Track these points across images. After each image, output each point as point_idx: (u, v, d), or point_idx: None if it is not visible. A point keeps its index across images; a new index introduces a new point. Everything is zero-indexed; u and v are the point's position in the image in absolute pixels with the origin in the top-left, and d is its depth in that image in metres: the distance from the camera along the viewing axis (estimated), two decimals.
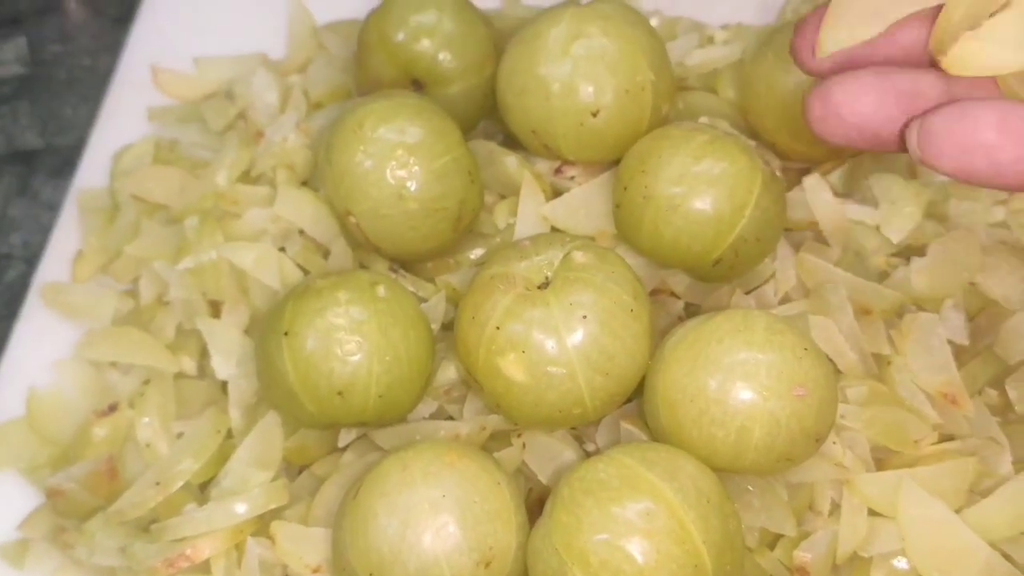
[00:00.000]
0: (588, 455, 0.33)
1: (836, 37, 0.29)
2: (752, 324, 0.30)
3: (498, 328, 0.30)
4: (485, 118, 0.41)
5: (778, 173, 0.39)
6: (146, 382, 0.36)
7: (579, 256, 0.31)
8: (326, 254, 0.38)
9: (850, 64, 0.29)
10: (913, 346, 0.35)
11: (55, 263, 0.41)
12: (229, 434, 0.35)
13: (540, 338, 0.30)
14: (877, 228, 0.38)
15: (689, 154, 0.33)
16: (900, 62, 0.28)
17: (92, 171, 0.44)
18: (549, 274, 0.32)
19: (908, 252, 0.38)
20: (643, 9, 0.48)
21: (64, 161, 0.48)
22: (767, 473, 0.31)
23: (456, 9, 0.39)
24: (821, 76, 0.29)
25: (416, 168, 0.34)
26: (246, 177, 0.40)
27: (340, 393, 0.31)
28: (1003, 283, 0.37)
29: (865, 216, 0.38)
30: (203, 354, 0.37)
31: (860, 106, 0.28)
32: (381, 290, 0.32)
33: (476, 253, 0.38)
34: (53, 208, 0.46)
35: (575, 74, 0.35)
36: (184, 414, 0.36)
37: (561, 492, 0.28)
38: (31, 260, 0.44)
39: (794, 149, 0.39)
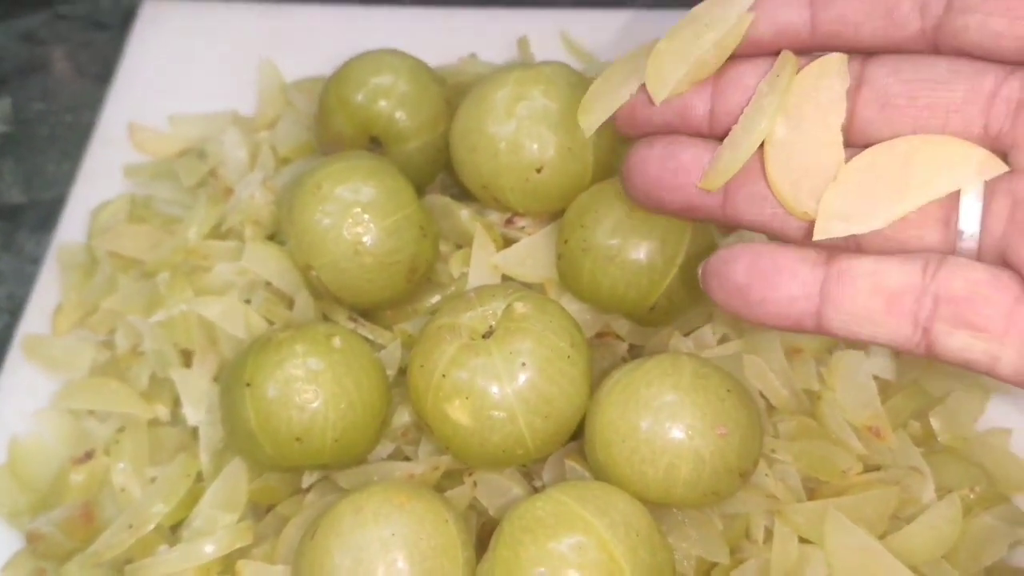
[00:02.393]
0: (536, 491, 0.35)
1: (589, 120, 0.32)
2: (680, 368, 0.32)
3: (444, 376, 0.33)
4: (442, 171, 0.44)
5: None
6: (121, 429, 0.38)
7: (520, 306, 0.34)
8: (291, 304, 0.40)
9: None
10: (841, 382, 0.37)
11: (37, 316, 0.43)
12: (199, 478, 0.37)
13: (483, 385, 0.32)
14: None
15: (623, 209, 0.36)
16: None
17: (72, 227, 0.46)
18: (493, 323, 0.34)
19: None
20: (598, 62, 0.51)
21: (47, 216, 0.50)
22: (696, 506, 0.33)
23: (411, 71, 0.42)
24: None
25: (371, 225, 0.37)
26: (216, 232, 0.43)
27: (298, 439, 0.33)
28: None
29: None
30: (176, 402, 0.39)
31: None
32: (336, 341, 0.34)
33: (432, 301, 0.40)
34: (36, 261, 0.48)
35: (519, 133, 0.38)
36: (157, 459, 0.38)
37: (503, 528, 0.31)
38: (15, 312, 0.46)
39: None
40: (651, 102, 0.30)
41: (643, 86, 0.31)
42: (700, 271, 0.29)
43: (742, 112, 0.29)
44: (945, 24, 0.27)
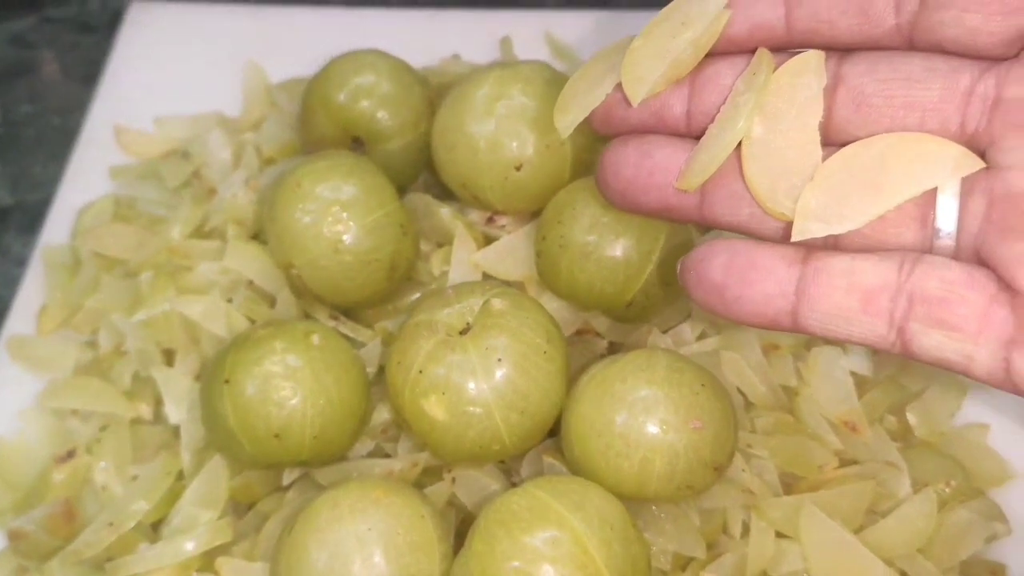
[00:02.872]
0: (514, 486, 0.36)
1: (565, 120, 0.31)
2: (654, 364, 0.33)
3: (420, 372, 0.33)
4: (425, 171, 0.44)
5: None
6: (103, 428, 0.38)
7: (497, 303, 0.34)
8: (272, 303, 0.40)
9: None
10: (818, 378, 0.37)
11: (22, 316, 0.44)
12: (180, 476, 0.37)
13: (459, 380, 0.33)
14: None
15: (600, 205, 0.36)
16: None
17: (57, 227, 0.46)
18: (470, 320, 0.34)
19: None
20: (580, 60, 0.51)
21: (34, 217, 0.50)
22: (671, 500, 0.33)
23: (393, 71, 0.42)
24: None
25: (350, 223, 0.37)
26: (199, 232, 0.43)
27: (277, 435, 0.33)
28: None
29: None
30: (158, 401, 0.39)
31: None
32: (315, 339, 0.35)
33: (413, 299, 0.40)
34: (23, 263, 0.48)
35: (498, 132, 0.38)
36: (139, 458, 0.38)
37: (479, 523, 0.31)
38: (1, 313, 0.46)
39: None
40: (627, 102, 0.30)
41: (619, 85, 0.31)
42: (678, 268, 0.29)
43: (719, 111, 0.29)
44: (921, 20, 0.27)
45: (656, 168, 0.30)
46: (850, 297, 0.27)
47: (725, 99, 0.29)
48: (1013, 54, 0.26)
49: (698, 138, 0.30)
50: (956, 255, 0.27)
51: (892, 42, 0.28)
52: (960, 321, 0.26)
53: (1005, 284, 0.26)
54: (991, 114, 0.27)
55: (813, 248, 0.28)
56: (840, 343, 0.37)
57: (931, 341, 0.26)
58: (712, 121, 0.29)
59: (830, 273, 0.27)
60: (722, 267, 0.28)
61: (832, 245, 0.28)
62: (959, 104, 0.27)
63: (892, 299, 0.26)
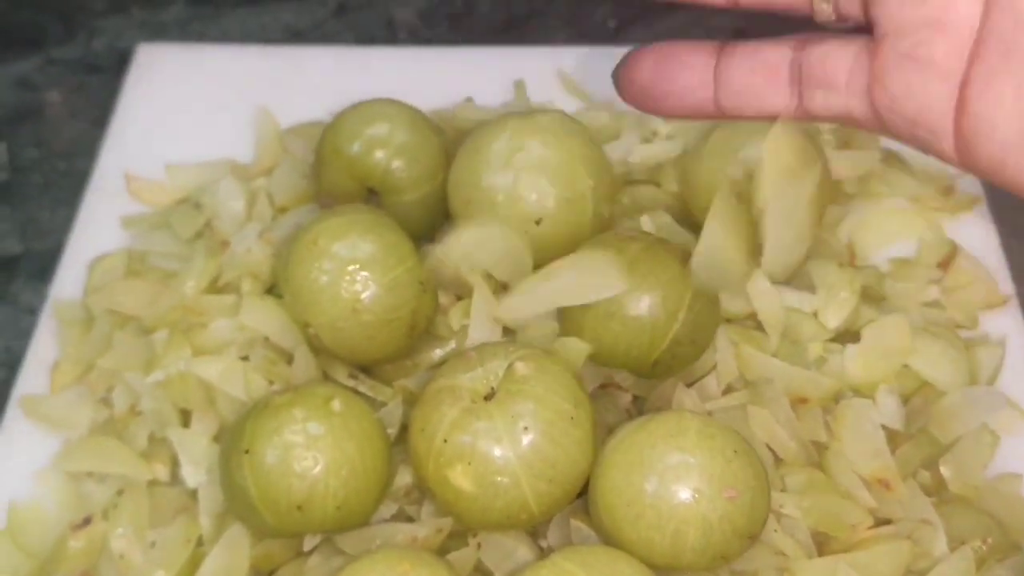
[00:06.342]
0: (542, 550, 0.35)
1: None
2: (685, 428, 0.32)
3: (445, 441, 0.32)
4: (444, 220, 0.43)
5: None
6: (120, 492, 0.37)
7: (521, 367, 0.33)
8: (290, 359, 0.39)
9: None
10: (848, 432, 0.37)
11: (34, 372, 0.43)
12: (200, 542, 0.36)
13: (485, 449, 0.32)
14: (814, 315, 0.40)
15: (624, 262, 0.35)
16: None
17: (69, 279, 0.46)
18: (494, 385, 0.33)
19: (845, 337, 0.40)
20: (595, 99, 0.51)
21: (43, 265, 0.49)
22: (705, 571, 0.33)
23: (407, 121, 0.42)
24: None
25: (369, 282, 0.36)
26: (213, 286, 0.42)
27: (299, 507, 0.33)
28: (934, 364, 0.39)
29: (803, 303, 0.40)
30: (175, 461, 0.38)
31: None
32: (336, 404, 0.34)
33: (433, 354, 0.39)
34: (33, 312, 0.47)
35: (517, 185, 0.38)
36: (157, 522, 0.37)
37: None
38: (12, 366, 0.46)
39: None
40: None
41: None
42: (612, 76, 0.32)
43: None
44: None
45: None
46: (756, 75, 0.30)
47: None
48: None
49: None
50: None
51: None
52: (832, 77, 0.29)
53: (872, 35, 0.28)
54: None
55: (726, 43, 0.31)
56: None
57: (818, 100, 0.29)
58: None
59: (738, 57, 0.30)
60: (650, 68, 0.31)
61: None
62: None
63: (789, 71, 0.29)
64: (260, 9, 0.60)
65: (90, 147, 0.52)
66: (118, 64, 0.56)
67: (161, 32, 0.59)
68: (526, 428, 0.32)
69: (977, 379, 0.40)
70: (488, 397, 0.33)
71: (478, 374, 0.34)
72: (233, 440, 0.34)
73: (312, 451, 0.33)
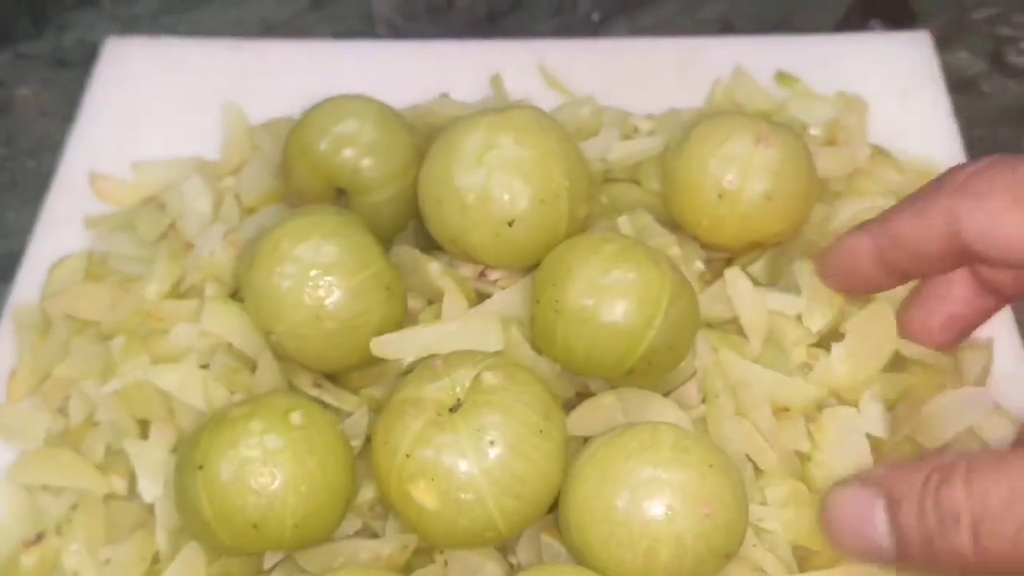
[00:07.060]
0: (511, 567, 0.33)
1: None
2: (658, 442, 0.30)
3: (408, 456, 0.31)
4: (413, 219, 0.41)
5: (701, 265, 0.40)
6: (74, 507, 0.36)
7: (489, 377, 0.32)
8: (253, 367, 0.38)
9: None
10: (832, 442, 0.35)
11: None
12: (156, 559, 0.35)
13: (449, 465, 0.30)
14: (798, 318, 0.38)
15: (597, 266, 0.34)
16: None
17: (29, 282, 0.44)
18: (460, 396, 0.32)
19: (829, 338, 0.38)
20: (577, 94, 0.49)
21: (6, 267, 0.48)
22: None
23: (377, 118, 0.40)
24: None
25: (333, 287, 0.35)
26: (175, 291, 0.41)
27: (255, 525, 0.31)
28: (923, 351, 0.37)
29: (786, 305, 0.38)
30: (133, 474, 0.37)
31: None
32: (296, 417, 0.32)
33: (403, 362, 0.38)
34: None
35: (490, 184, 0.36)
36: (113, 537, 0.36)
37: None
38: None
39: (714, 240, 0.40)
40: None
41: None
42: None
43: None
44: None
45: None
46: None
47: None
48: None
49: None
50: None
51: None
52: None
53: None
54: None
55: None
56: (855, 399, 0.36)
57: None
58: None
59: None
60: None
61: None
62: None
63: None
64: (234, 1, 0.59)
65: (60, 144, 0.50)
66: (88, 59, 0.54)
67: (133, 26, 0.58)
68: (492, 442, 0.30)
69: (965, 380, 0.38)
70: (454, 408, 0.32)
71: (444, 384, 0.32)
72: (187, 454, 0.32)
73: (269, 466, 0.31)
